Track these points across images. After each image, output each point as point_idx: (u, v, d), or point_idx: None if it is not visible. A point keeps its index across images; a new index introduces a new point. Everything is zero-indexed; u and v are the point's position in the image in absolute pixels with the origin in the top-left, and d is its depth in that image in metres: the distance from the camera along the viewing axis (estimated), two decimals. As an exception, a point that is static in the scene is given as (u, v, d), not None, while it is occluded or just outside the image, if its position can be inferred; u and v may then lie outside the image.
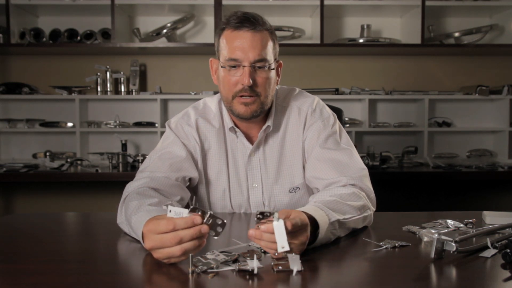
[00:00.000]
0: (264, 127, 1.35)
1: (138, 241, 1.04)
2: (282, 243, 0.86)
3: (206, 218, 0.87)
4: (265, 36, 1.27)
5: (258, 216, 0.91)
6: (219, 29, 1.31)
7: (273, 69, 1.30)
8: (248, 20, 1.25)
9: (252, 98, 1.26)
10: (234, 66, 1.25)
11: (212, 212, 0.89)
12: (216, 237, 0.90)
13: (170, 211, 0.88)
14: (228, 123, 1.36)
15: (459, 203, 3.09)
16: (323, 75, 3.14)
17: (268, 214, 0.90)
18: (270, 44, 1.28)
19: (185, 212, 0.87)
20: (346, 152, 1.31)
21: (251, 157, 1.38)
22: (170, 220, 0.87)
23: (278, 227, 0.86)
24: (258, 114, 1.30)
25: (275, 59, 1.30)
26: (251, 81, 1.23)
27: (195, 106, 1.43)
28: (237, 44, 1.24)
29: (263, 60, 1.25)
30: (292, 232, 0.90)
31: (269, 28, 1.29)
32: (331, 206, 1.08)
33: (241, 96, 1.26)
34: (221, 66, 1.28)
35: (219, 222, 0.89)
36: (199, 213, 0.87)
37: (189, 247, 0.86)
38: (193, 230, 0.86)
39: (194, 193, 1.43)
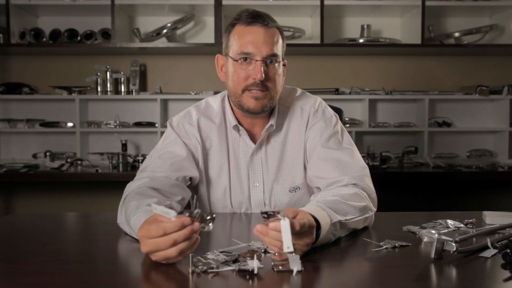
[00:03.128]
0: (267, 126, 1.35)
1: (138, 241, 1.04)
2: (288, 243, 0.85)
3: (195, 217, 0.87)
4: (276, 33, 1.30)
5: (264, 216, 0.90)
6: (229, 25, 1.32)
7: (284, 65, 1.33)
8: (260, 17, 1.28)
9: (263, 93, 1.27)
10: (246, 59, 1.26)
11: (199, 210, 0.89)
12: (207, 231, 0.89)
13: (155, 209, 0.88)
14: (232, 121, 1.36)
15: (459, 203, 3.09)
16: (323, 75, 3.14)
17: (271, 213, 0.89)
18: (280, 41, 1.30)
19: (172, 212, 0.86)
20: (347, 152, 1.32)
21: (253, 156, 1.38)
22: (160, 225, 0.87)
23: (285, 226, 0.86)
24: (268, 109, 1.31)
25: (283, 58, 1.32)
26: (263, 75, 1.24)
27: (197, 105, 1.44)
28: (250, 39, 1.26)
29: (275, 55, 1.27)
30: (298, 233, 0.90)
31: (279, 27, 1.32)
32: (333, 206, 1.08)
33: (251, 90, 1.27)
34: (233, 60, 1.28)
35: (208, 217, 0.89)
36: (187, 214, 0.87)
37: (185, 247, 0.86)
38: (186, 230, 0.86)
39: (195, 192, 1.43)
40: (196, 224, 0.87)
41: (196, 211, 0.88)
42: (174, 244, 0.86)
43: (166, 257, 0.88)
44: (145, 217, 0.98)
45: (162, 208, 0.88)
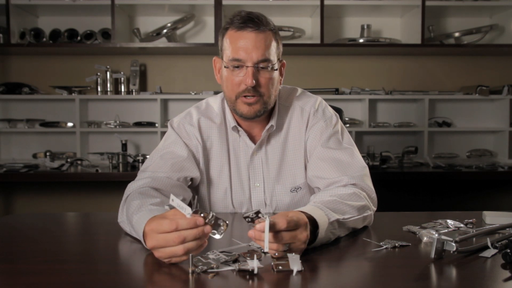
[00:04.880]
0: (267, 126, 1.35)
1: (138, 241, 1.04)
2: (266, 244, 0.86)
3: (208, 219, 0.87)
4: (268, 36, 1.27)
5: (247, 220, 0.91)
6: (222, 29, 1.31)
7: (276, 69, 1.30)
8: (251, 21, 1.25)
9: (255, 98, 1.27)
10: (237, 66, 1.26)
11: (214, 214, 0.89)
12: (217, 238, 0.90)
13: (172, 200, 0.88)
14: (231, 122, 1.36)
15: (459, 203, 3.09)
16: (323, 75, 3.14)
17: (254, 216, 0.90)
18: (273, 45, 1.28)
19: (187, 208, 0.87)
20: (347, 152, 1.32)
21: (254, 157, 1.38)
22: (173, 220, 0.87)
23: (266, 226, 0.86)
24: (262, 113, 1.31)
25: (278, 59, 1.31)
26: (254, 81, 1.24)
27: (198, 106, 1.44)
28: (241, 44, 1.24)
29: (267, 60, 1.25)
30: (291, 231, 0.91)
31: (273, 28, 1.29)
32: (331, 206, 1.08)
33: (245, 96, 1.27)
34: (225, 66, 1.28)
35: (221, 223, 0.89)
36: (202, 215, 0.87)
37: (192, 246, 0.86)
38: (197, 230, 0.86)
39: (196, 193, 1.43)
40: (208, 227, 0.87)
41: (211, 214, 0.88)
42: (183, 241, 0.86)
43: (172, 254, 0.87)
44: (148, 216, 0.98)
45: (179, 202, 0.88)
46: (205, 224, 0.87)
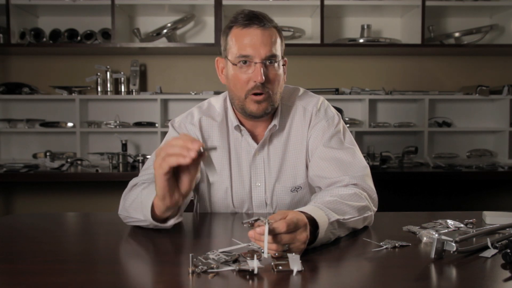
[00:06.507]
0: (270, 126, 1.35)
1: (138, 241, 1.04)
2: (265, 248, 0.86)
3: (204, 150, 0.96)
4: (273, 32, 1.28)
5: (248, 226, 0.91)
6: (226, 28, 1.31)
7: (284, 65, 1.32)
8: (256, 18, 1.26)
9: (263, 96, 1.27)
10: (245, 62, 1.26)
11: (211, 149, 0.99)
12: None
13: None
14: (233, 121, 1.36)
15: (459, 203, 3.09)
16: (323, 75, 3.14)
17: (253, 222, 0.90)
18: (278, 41, 1.29)
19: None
20: (349, 151, 1.32)
21: (256, 156, 1.38)
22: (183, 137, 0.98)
23: (265, 231, 0.87)
24: (269, 111, 1.31)
25: (282, 57, 1.32)
26: (263, 77, 1.24)
27: (200, 106, 1.44)
28: (248, 41, 1.25)
29: (274, 56, 1.26)
30: (290, 232, 0.91)
31: (276, 26, 1.31)
32: (331, 206, 1.08)
33: (254, 94, 1.27)
34: (232, 64, 1.28)
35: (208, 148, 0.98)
36: (203, 147, 0.96)
37: (174, 151, 0.95)
38: (183, 142, 0.96)
39: (196, 192, 1.43)
40: (196, 145, 0.95)
41: (211, 151, 0.97)
42: (171, 148, 0.96)
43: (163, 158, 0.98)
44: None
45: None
46: (201, 152, 0.95)
